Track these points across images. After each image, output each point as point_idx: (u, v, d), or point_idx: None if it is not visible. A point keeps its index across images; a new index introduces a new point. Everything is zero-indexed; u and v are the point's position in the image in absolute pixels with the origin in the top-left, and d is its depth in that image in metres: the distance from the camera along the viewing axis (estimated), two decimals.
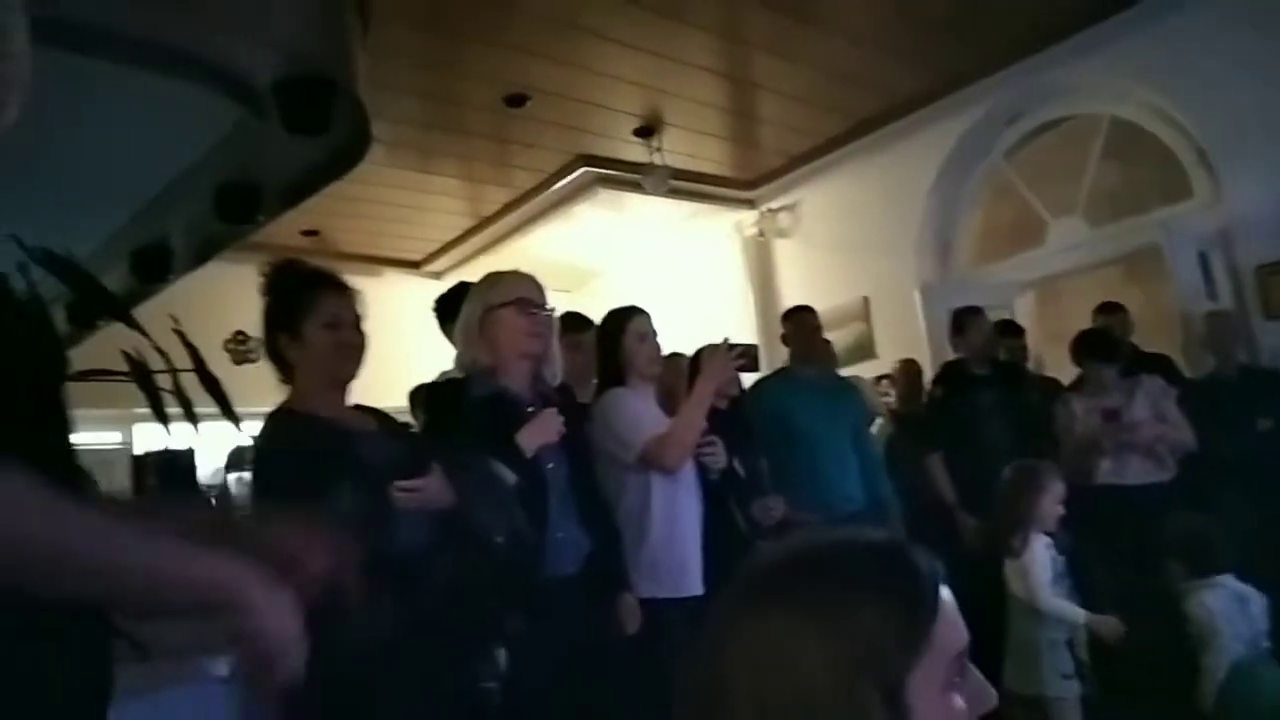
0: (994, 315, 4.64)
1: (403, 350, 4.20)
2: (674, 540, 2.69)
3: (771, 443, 3.44)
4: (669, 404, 3.16)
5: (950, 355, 4.41)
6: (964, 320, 4.22)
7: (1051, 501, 3.00)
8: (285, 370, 2.02)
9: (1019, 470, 3.11)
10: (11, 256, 2.19)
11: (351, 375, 2.02)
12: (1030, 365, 4.79)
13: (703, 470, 2.85)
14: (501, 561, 2.09)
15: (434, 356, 3.39)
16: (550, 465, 2.28)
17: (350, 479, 1.89)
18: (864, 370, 5.49)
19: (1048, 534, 3.01)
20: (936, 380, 4.37)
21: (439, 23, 4.23)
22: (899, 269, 5.77)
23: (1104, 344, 3.90)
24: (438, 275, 7.43)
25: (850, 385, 4.29)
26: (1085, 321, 4.38)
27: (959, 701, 0.74)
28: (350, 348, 2.01)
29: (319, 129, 2.49)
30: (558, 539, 2.23)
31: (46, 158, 2.69)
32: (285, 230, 5.57)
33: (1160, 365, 4.13)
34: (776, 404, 3.73)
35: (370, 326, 2.06)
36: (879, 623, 0.71)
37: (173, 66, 2.36)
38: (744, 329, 6.55)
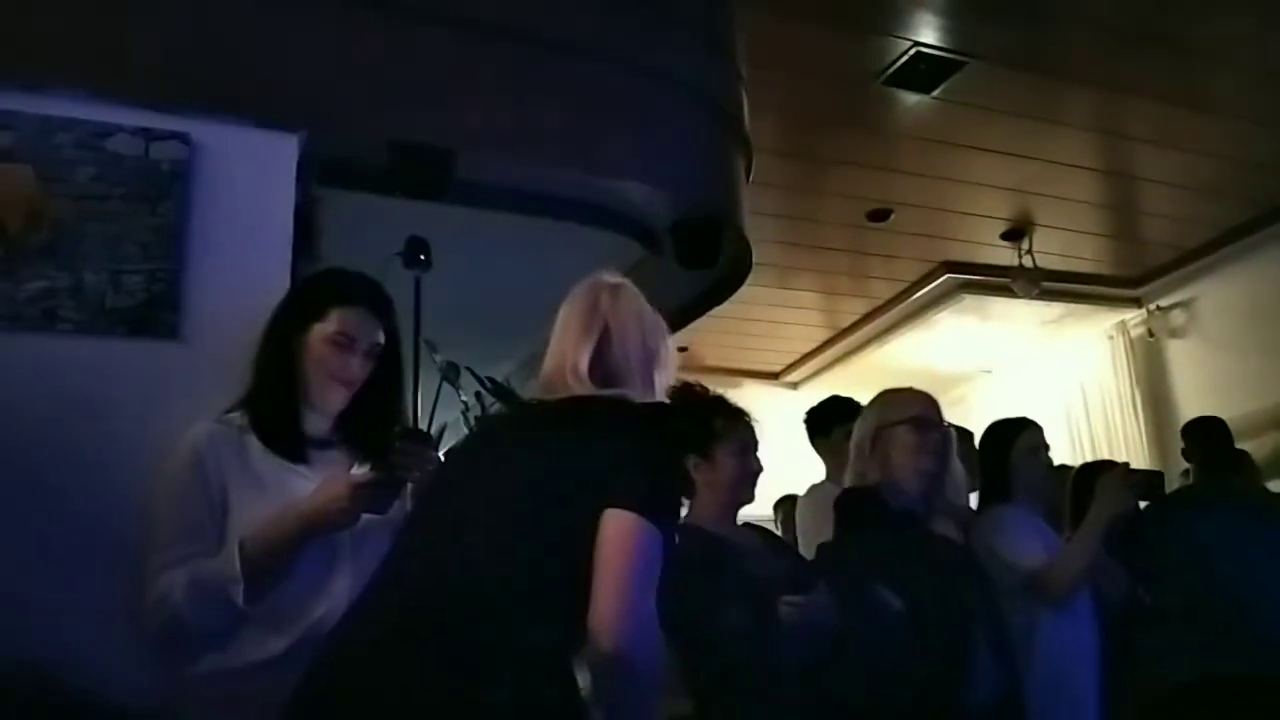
0: None
1: (763, 459, 4.34)
2: (1065, 677, 2.49)
3: (1178, 569, 3.08)
4: (1051, 520, 2.97)
5: None
6: None
7: None
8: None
9: None
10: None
11: (751, 499, 2.17)
12: None
13: (1100, 599, 2.62)
14: (885, 689, 2.06)
15: (794, 466, 3.48)
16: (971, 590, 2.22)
17: (741, 593, 1.99)
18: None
19: None
20: None
21: (802, 151, 4.48)
22: None
23: None
24: (795, 385, 7.59)
25: (1274, 502, 3.74)
26: None
27: None
28: (756, 474, 2.16)
29: (710, 264, 2.73)
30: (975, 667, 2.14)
31: (480, 299, 3.20)
32: None
33: None
34: (1183, 530, 3.34)
35: None
36: None
37: (587, 217, 2.73)
38: (1131, 438, 6.00)
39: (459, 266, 2.84)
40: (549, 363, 1.42)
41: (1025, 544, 2.54)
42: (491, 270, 3.12)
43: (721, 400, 2.24)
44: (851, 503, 2.36)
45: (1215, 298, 5.75)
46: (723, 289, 3.28)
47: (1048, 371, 6.77)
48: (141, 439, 1.72)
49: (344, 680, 1.14)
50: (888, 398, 2.44)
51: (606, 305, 1.44)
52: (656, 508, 1.19)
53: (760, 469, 2.21)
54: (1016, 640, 2.44)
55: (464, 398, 2.56)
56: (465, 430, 2.35)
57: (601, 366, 1.39)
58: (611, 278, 1.51)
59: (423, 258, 2.56)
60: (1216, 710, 2.36)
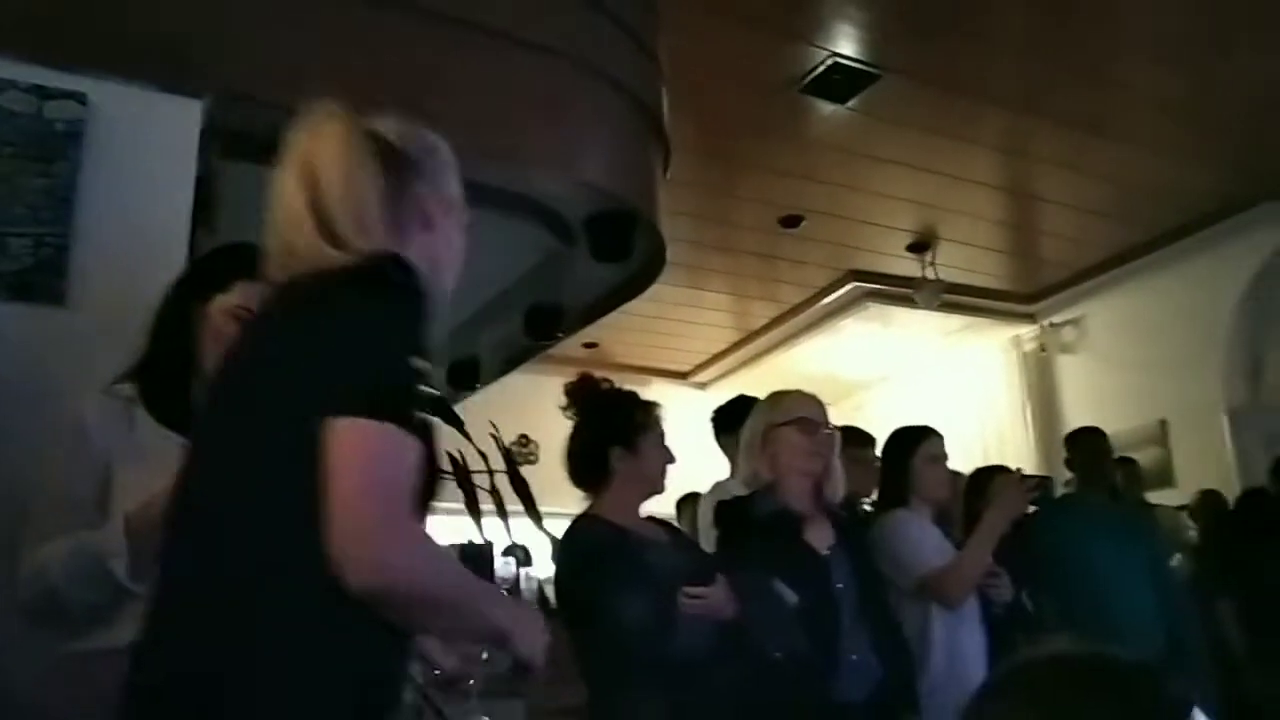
0: None
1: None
2: (955, 674, 2.57)
3: (1057, 576, 3.23)
4: (941, 522, 3.08)
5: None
6: None
7: None
8: (596, 481, 2.20)
9: None
10: None
11: (664, 489, 2.19)
12: None
13: (986, 602, 2.72)
14: (779, 680, 2.10)
15: (701, 464, 3.52)
16: (840, 585, 2.27)
17: (642, 585, 2.01)
18: (1161, 500, 5.02)
19: None
20: (1234, 516, 3.96)
21: (720, 153, 4.53)
22: (1202, 390, 5.30)
23: None
24: (703, 386, 7.68)
25: (1145, 515, 3.95)
26: None
27: None
28: (670, 463, 2.18)
29: (623, 257, 2.74)
30: (851, 661, 2.20)
31: None
32: (569, 342, 6.01)
33: None
34: (1061, 535, 3.49)
35: None
36: None
37: (502, 206, 2.70)
38: (1020, 448, 6.24)
39: None
40: (270, 238, 1.13)
41: (923, 548, 2.63)
42: None
43: (634, 394, 2.26)
44: (725, 514, 2.42)
45: (1104, 317, 6.04)
46: (636, 284, 3.29)
47: (945, 381, 7.00)
48: (23, 406, 1.64)
49: (147, 656, 1.03)
50: (775, 399, 2.50)
51: (307, 145, 1.13)
52: (380, 402, 0.96)
53: (673, 459, 2.23)
54: (911, 640, 2.53)
55: None
56: None
57: (325, 226, 1.08)
58: (319, 106, 1.15)
59: None
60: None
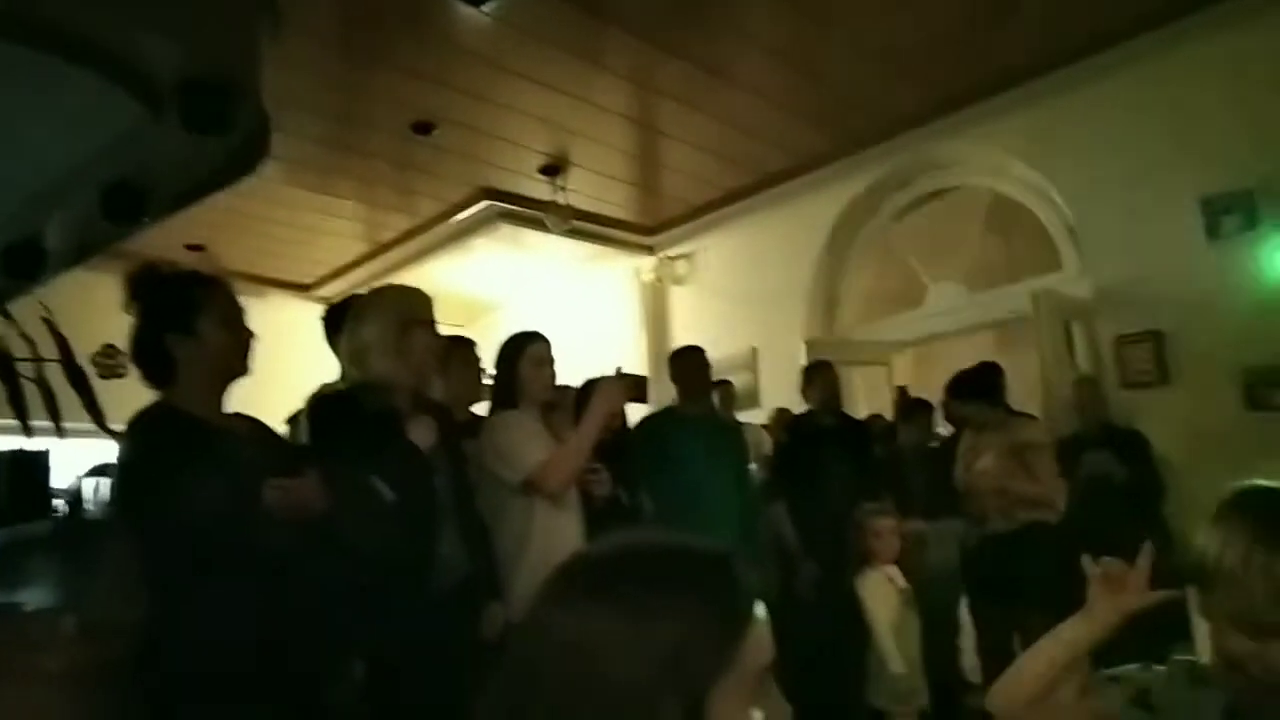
0: (871, 372, 4.84)
1: (284, 376, 4.08)
2: (553, 565, 2.69)
3: (654, 477, 3.49)
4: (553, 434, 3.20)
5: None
6: (812, 374, 4.49)
7: (878, 540, 3.36)
8: (162, 374, 1.97)
9: (854, 514, 3.50)
10: None
11: (244, 371, 2.01)
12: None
13: (587, 498, 2.86)
14: (368, 574, 2.06)
15: (316, 382, 3.34)
16: (439, 481, 2.27)
17: (219, 475, 1.84)
18: (749, 419, 5.61)
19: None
20: (784, 430, 4.56)
21: (350, 43, 4.23)
22: (787, 322, 5.96)
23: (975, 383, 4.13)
24: (328, 301, 7.28)
25: (734, 426, 4.38)
26: None
27: (757, 716, 0.74)
28: (248, 344, 2.01)
29: (220, 129, 2.44)
30: (443, 554, 2.21)
31: None
32: (170, 243, 5.38)
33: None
34: (660, 439, 3.78)
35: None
36: (690, 631, 0.71)
37: (72, 53, 2.29)
38: (635, 371, 6.64)
39: None
40: None
41: (528, 445, 2.70)
42: None
43: (194, 272, 2.05)
44: (325, 408, 2.30)
45: (711, 252, 6.58)
46: (235, 167, 2.97)
47: (573, 306, 7.25)
48: None
49: None
50: (407, 294, 2.45)
51: None
52: None
53: (250, 336, 2.06)
54: (515, 530, 2.62)
55: None
56: None
57: None
58: None
59: None
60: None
